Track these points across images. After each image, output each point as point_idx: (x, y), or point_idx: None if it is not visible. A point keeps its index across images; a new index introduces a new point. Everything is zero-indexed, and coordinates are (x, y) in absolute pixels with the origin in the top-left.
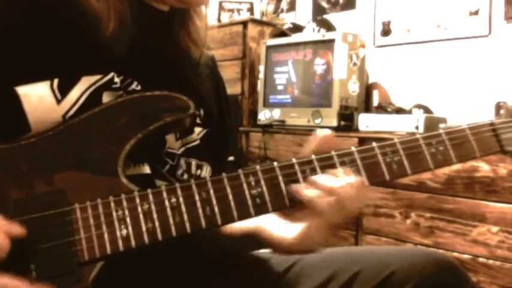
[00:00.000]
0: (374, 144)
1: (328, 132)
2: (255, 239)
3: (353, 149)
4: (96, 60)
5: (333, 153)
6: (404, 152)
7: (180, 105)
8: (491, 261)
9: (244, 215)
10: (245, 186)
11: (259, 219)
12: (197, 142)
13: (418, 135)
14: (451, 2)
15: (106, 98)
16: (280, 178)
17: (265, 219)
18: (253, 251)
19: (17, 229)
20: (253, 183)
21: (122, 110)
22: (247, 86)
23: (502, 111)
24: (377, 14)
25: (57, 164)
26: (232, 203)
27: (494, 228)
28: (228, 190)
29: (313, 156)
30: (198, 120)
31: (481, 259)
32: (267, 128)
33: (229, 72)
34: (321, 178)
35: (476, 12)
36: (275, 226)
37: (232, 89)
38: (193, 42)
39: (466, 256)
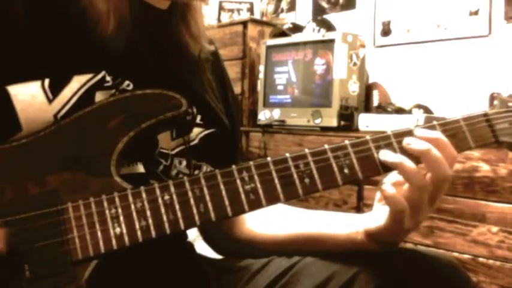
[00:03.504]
0: (368, 137)
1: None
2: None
3: (346, 142)
4: (87, 59)
5: (326, 147)
6: (398, 145)
7: (172, 103)
8: (491, 261)
9: (238, 210)
10: (238, 182)
11: (353, 223)
12: (195, 142)
13: (411, 128)
14: (451, 2)
15: (99, 97)
16: (274, 173)
17: (358, 220)
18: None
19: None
20: (246, 178)
21: (114, 109)
22: (247, 86)
23: (495, 102)
24: (377, 14)
25: (50, 164)
26: (225, 199)
27: (494, 228)
28: (222, 186)
29: (307, 151)
30: (198, 121)
31: (481, 259)
32: (267, 128)
33: (229, 72)
34: (422, 131)
35: (476, 12)
36: (369, 221)
37: (233, 88)
38: (192, 37)
39: (466, 256)
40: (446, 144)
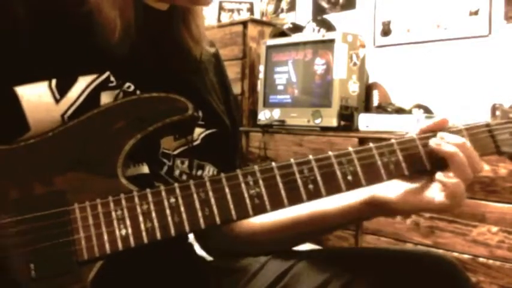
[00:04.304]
0: (371, 144)
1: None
2: (372, 206)
3: (350, 149)
4: (91, 60)
5: (330, 153)
6: (402, 153)
7: (178, 107)
8: (491, 261)
9: (242, 214)
10: (243, 186)
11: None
12: (197, 142)
13: (414, 136)
14: (451, 2)
15: (104, 97)
16: (278, 178)
17: (376, 188)
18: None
19: None
20: (251, 183)
21: (121, 111)
22: (247, 86)
23: (497, 113)
24: (377, 14)
25: (56, 165)
26: (230, 203)
27: (494, 228)
28: (227, 190)
29: (311, 157)
30: (199, 121)
31: (481, 259)
32: (267, 128)
33: (229, 72)
34: (449, 137)
35: (476, 12)
36: (387, 191)
37: (233, 89)
38: (194, 39)
39: (466, 256)
40: (470, 149)
